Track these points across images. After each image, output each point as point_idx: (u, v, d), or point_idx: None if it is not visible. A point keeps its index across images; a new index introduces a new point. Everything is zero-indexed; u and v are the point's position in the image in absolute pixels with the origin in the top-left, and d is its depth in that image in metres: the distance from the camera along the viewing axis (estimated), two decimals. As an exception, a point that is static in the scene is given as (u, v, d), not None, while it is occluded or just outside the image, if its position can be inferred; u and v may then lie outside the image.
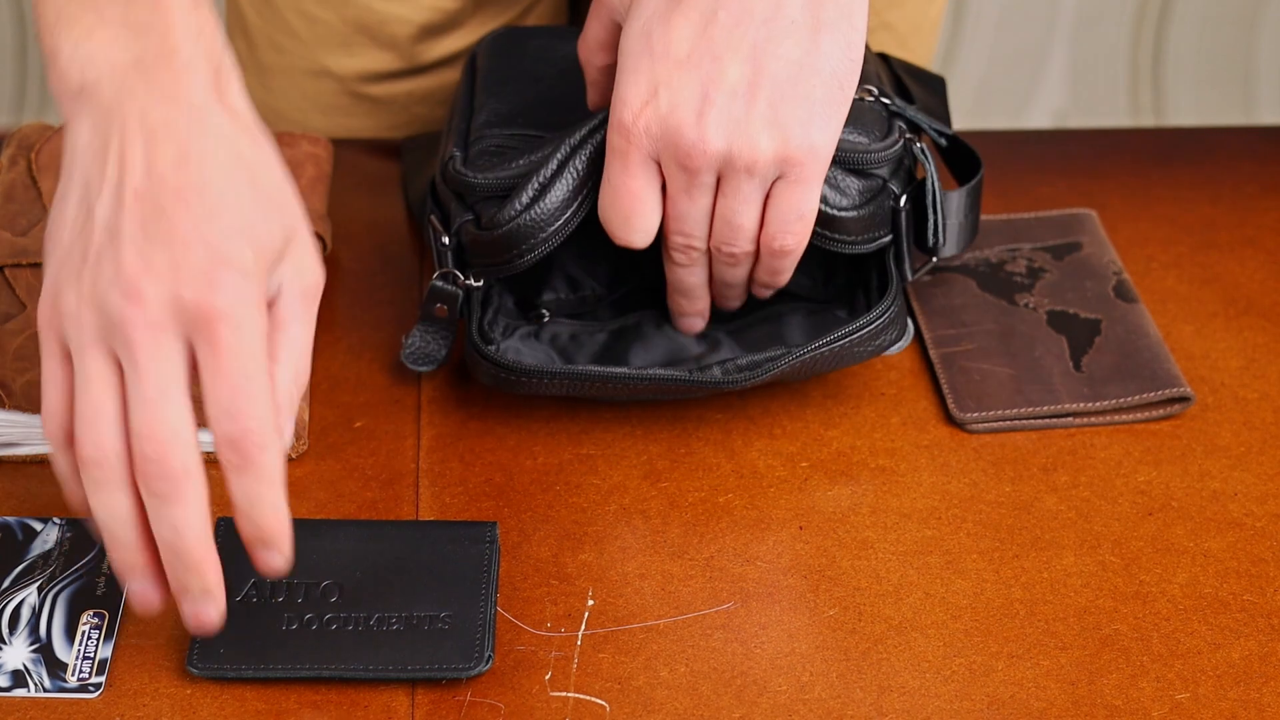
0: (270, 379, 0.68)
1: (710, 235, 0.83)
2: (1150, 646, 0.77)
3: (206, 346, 0.67)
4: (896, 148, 0.85)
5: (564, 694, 0.75)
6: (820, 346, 0.84)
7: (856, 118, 0.85)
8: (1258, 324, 0.94)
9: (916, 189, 0.87)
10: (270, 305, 0.70)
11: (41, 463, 0.84)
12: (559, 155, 0.83)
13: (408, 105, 1.09)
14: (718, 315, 0.89)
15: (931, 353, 0.91)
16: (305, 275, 0.72)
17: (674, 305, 0.88)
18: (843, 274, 0.90)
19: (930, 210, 0.87)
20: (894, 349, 0.86)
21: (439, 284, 0.87)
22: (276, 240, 0.70)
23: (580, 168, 0.83)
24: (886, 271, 0.87)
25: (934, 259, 0.89)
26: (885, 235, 0.86)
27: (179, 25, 0.70)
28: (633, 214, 0.82)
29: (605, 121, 0.83)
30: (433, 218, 0.88)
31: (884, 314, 0.85)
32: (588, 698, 0.74)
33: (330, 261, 0.95)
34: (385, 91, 1.08)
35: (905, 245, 0.87)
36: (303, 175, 0.97)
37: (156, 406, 0.66)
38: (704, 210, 0.82)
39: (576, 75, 0.88)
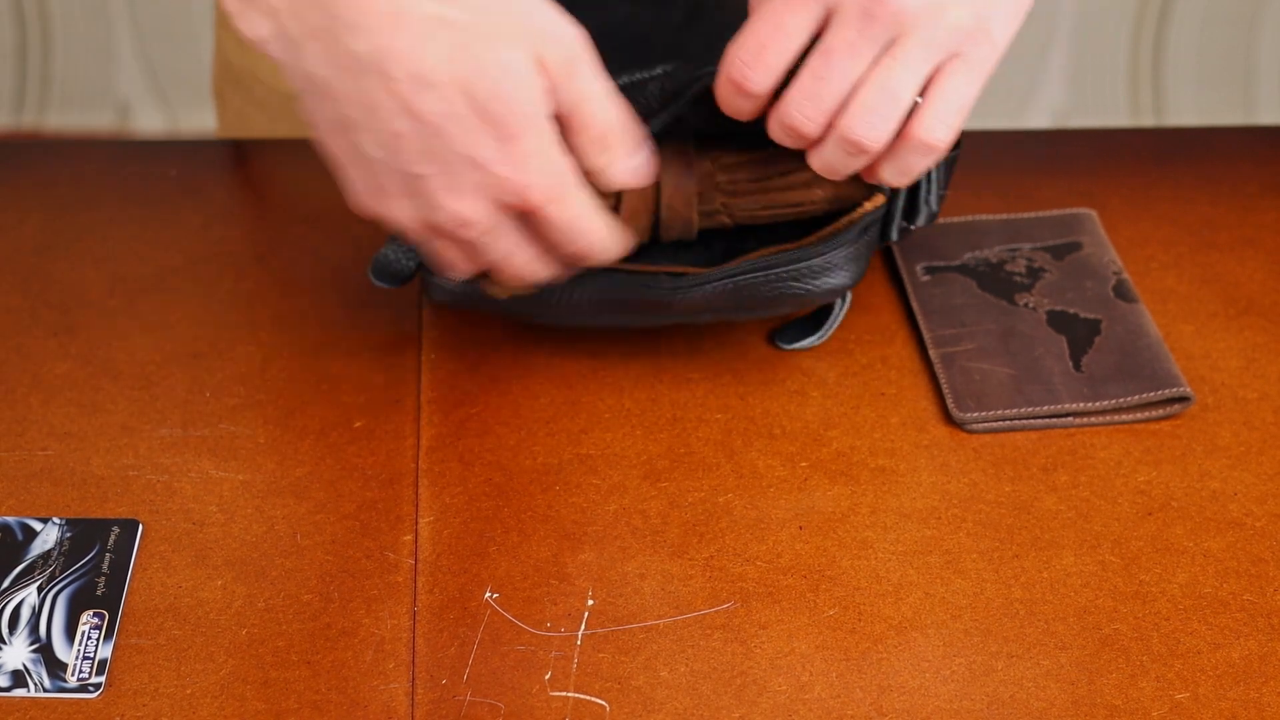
0: (579, 152, 0.78)
1: (841, 114, 0.77)
2: (1150, 646, 0.77)
3: (531, 220, 0.78)
4: None
5: (564, 694, 0.75)
6: (757, 270, 0.84)
7: None
8: (1258, 324, 0.94)
9: None
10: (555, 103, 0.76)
11: (41, 462, 0.84)
12: None
13: None
14: (707, 260, 0.89)
15: (931, 353, 0.91)
16: (560, 60, 0.76)
17: None
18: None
19: (924, 175, 0.87)
20: (841, 291, 0.87)
21: None
22: (532, 80, 0.75)
23: None
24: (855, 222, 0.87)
25: (910, 225, 0.89)
26: (884, 189, 0.86)
27: None
28: (769, 45, 0.76)
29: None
30: None
31: (830, 252, 0.85)
32: (588, 698, 0.74)
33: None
34: None
35: (899, 204, 0.87)
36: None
37: (510, 265, 0.80)
38: (850, 79, 0.76)
39: (624, 32, 0.87)
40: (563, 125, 0.77)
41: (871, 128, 0.77)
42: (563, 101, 0.77)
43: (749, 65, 0.78)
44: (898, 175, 0.80)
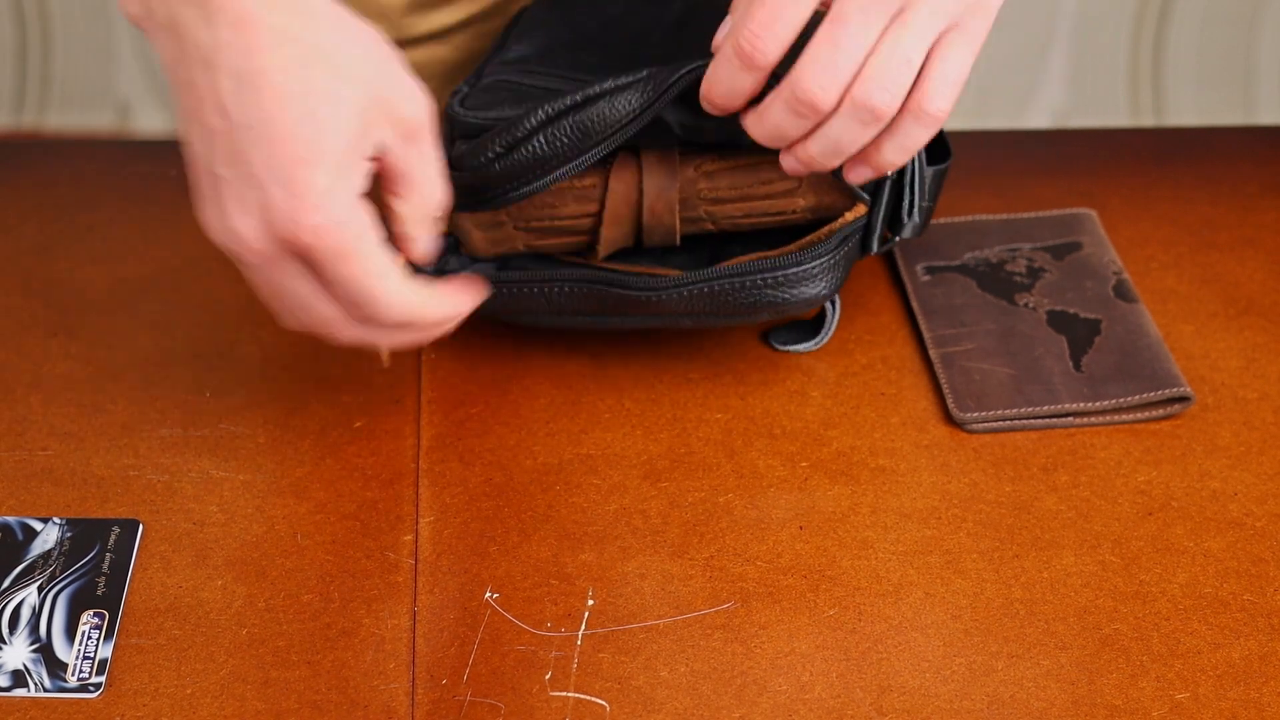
0: (397, 215, 0.77)
1: (856, 82, 0.76)
2: (1150, 646, 0.77)
3: (314, 269, 0.74)
4: None
5: (564, 694, 0.75)
6: (733, 276, 0.84)
7: None
8: (1258, 324, 0.94)
9: None
10: (381, 159, 0.75)
11: (41, 462, 0.84)
12: (532, 120, 0.82)
13: None
14: (692, 265, 0.88)
15: (931, 353, 0.91)
16: (404, 120, 0.75)
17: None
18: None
19: (908, 186, 0.87)
20: (818, 301, 0.86)
21: None
22: (353, 120, 0.73)
23: (555, 141, 0.82)
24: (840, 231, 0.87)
25: (895, 237, 0.89)
26: (864, 197, 0.86)
27: None
28: (780, 14, 0.76)
29: (593, 98, 0.82)
30: None
31: (809, 261, 0.84)
32: (588, 698, 0.74)
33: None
34: None
35: (879, 214, 0.87)
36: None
37: (306, 314, 0.76)
38: (865, 47, 0.76)
39: (619, 29, 0.86)
40: (387, 184, 0.77)
41: (885, 92, 0.76)
42: (395, 162, 0.76)
43: (758, 35, 0.77)
44: (899, 151, 0.80)
